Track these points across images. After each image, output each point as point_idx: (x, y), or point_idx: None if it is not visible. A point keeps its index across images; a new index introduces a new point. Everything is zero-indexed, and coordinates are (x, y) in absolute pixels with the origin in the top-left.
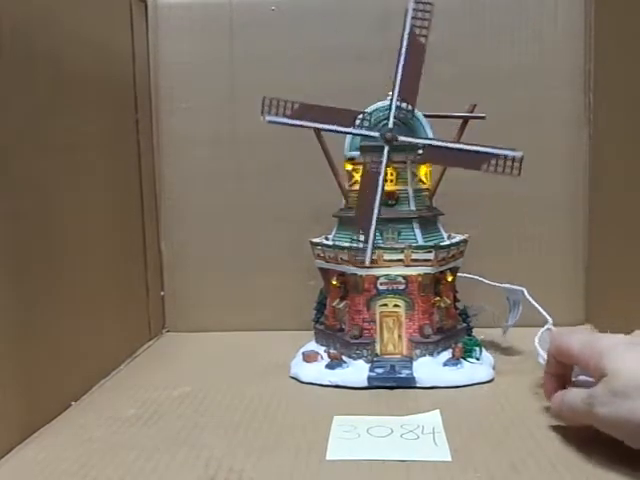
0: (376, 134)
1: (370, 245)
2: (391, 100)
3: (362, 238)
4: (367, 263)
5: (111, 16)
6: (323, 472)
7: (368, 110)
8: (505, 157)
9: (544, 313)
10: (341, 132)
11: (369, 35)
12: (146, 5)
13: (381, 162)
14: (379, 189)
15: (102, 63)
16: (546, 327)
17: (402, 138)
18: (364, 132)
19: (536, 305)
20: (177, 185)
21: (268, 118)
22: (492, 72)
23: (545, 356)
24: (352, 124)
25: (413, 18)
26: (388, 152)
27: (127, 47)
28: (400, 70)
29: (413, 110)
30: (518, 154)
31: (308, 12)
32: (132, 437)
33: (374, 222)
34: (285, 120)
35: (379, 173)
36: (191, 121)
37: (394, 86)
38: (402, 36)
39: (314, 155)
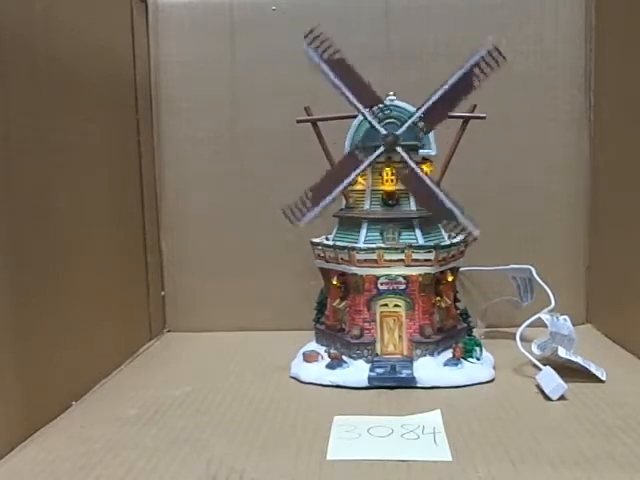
0: (383, 130)
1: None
2: (416, 110)
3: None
4: (299, 224)
5: (111, 16)
6: (324, 472)
7: (388, 103)
8: (483, 58)
9: (549, 293)
10: (353, 105)
11: (369, 35)
12: (146, 5)
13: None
14: (352, 175)
15: (102, 63)
16: (548, 309)
17: (399, 150)
18: (373, 120)
19: (543, 284)
20: (177, 185)
21: (308, 49)
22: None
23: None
24: (369, 106)
25: (481, 58)
26: (382, 153)
27: (127, 47)
28: (440, 93)
29: (426, 132)
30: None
31: (308, 12)
32: (133, 437)
33: (329, 197)
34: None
35: (362, 162)
36: (191, 121)
37: (427, 101)
38: (463, 67)
39: (314, 155)
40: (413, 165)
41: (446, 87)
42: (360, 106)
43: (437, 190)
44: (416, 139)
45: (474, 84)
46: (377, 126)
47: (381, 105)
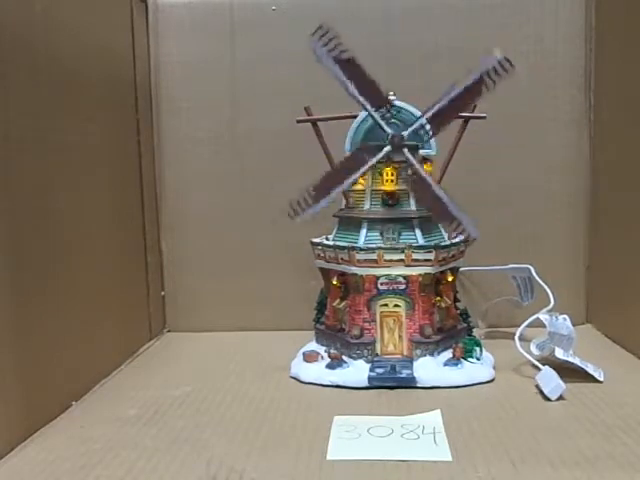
0: (390, 130)
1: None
2: (422, 115)
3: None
4: (297, 219)
5: (111, 16)
6: (324, 472)
7: (399, 105)
8: (493, 68)
9: (549, 292)
10: (361, 105)
11: (369, 36)
12: (146, 5)
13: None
14: (355, 175)
15: (103, 63)
16: (546, 309)
17: (405, 151)
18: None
19: (542, 283)
20: (177, 185)
21: (316, 47)
22: None
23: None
24: (377, 106)
25: (492, 67)
26: (388, 152)
27: (127, 47)
28: (448, 99)
29: (392, 105)
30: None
31: (308, 12)
32: (133, 437)
33: (331, 195)
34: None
35: (368, 161)
36: (191, 121)
37: (434, 105)
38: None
39: (314, 155)
40: (418, 166)
41: (455, 93)
42: (368, 106)
43: (439, 192)
44: (419, 140)
45: (482, 92)
46: (384, 126)
47: (389, 106)
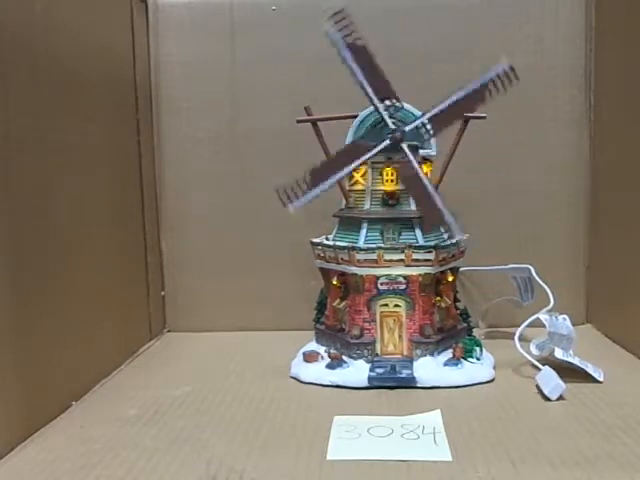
0: (392, 125)
1: (455, 225)
2: (376, 108)
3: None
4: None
5: (111, 16)
6: (324, 472)
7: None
8: (498, 76)
9: (549, 292)
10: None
11: (369, 35)
12: (146, 5)
13: (409, 161)
14: (425, 182)
15: (103, 63)
16: (546, 309)
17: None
18: (378, 149)
19: (542, 283)
20: (177, 185)
21: (294, 207)
22: None
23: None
24: (382, 98)
25: (339, 31)
26: (386, 148)
27: (127, 47)
28: (365, 81)
29: (399, 100)
30: (505, 66)
31: (308, 12)
32: (133, 437)
33: (445, 211)
34: (309, 196)
35: (415, 170)
36: (191, 121)
37: (370, 96)
38: (343, 54)
39: (314, 155)
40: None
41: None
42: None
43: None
44: (419, 139)
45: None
46: (387, 119)
47: (394, 100)
